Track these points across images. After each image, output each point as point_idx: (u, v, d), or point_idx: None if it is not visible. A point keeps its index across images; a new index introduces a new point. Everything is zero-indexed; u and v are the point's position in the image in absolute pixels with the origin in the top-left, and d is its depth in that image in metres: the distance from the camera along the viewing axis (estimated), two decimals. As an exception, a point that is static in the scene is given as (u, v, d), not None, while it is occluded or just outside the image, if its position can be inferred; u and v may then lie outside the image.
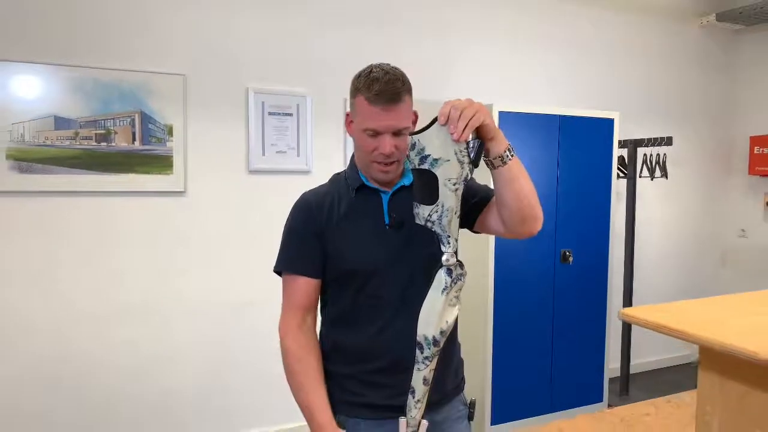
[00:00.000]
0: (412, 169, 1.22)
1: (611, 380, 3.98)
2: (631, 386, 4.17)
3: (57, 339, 2.90)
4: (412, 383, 1.23)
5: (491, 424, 3.39)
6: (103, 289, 2.98)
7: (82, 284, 2.94)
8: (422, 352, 1.21)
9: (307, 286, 1.42)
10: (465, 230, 1.41)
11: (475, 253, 3.27)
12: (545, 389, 3.58)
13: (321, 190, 1.47)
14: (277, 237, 1.43)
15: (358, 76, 1.34)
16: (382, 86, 1.28)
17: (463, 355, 1.58)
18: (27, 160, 2.74)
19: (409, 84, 1.35)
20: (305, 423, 1.34)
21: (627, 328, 3.95)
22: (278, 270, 1.47)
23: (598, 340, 3.73)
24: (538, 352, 3.54)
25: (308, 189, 1.50)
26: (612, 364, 4.05)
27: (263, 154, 3.25)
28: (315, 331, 1.45)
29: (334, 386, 1.41)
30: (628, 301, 3.91)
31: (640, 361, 4.54)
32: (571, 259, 3.55)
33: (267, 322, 3.24)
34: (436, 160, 1.17)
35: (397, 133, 1.32)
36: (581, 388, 3.70)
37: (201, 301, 3.18)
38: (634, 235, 3.96)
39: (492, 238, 3.31)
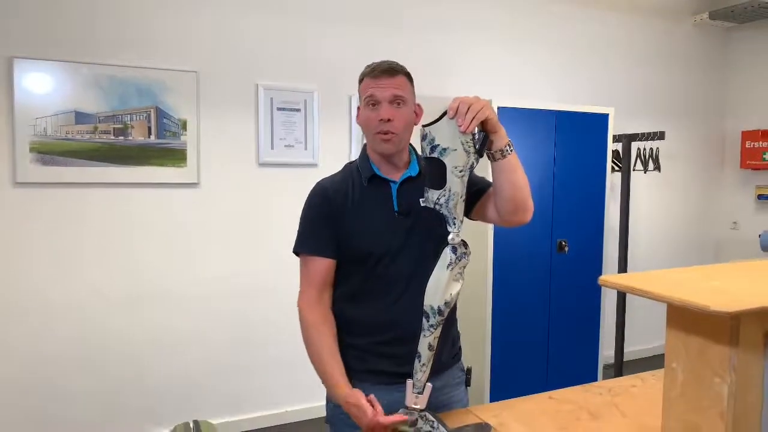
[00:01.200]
0: (423, 158, 1.36)
1: (605, 367, 4.12)
2: (624, 372, 4.31)
3: (76, 323, 3.04)
4: (418, 349, 1.36)
5: (490, 407, 3.54)
6: (121, 275, 3.12)
7: (100, 271, 3.08)
8: (428, 321, 1.34)
9: (323, 265, 1.54)
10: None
11: (474, 242, 3.39)
12: (541, 375, 3.72)
13: (336, 179, 1.60)
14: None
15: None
16: (378, 65, 1.51)
17: (462, 341, 1.73)
18: (49, 153, 2.88)
19: (408, 73, 1.54)
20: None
21: (621, 316, 4.09)
22: (296, 251, 1.59)
23: (593, 327, 3.88)
24: (534, 338, 3.69)
25: (322, 178, 1.63)
26: (606, 351, 4.19)
27: (272, 147, 3.39)
28: (330, 306, 1.58)
29: (348, 356, 1.54)
30: (622, 290, 4.05)
31: (634, 349, 4.69)
32: (566, 248, 3.69)
33: (277, 308, 3.42)
34: (444, 149, 1.30)
35: (394, 104, 1.48)
36: (576, 374, 3.85)
37: (214, 287, 3.33)
38: (628, 226, 4.08)
39: (491, 230, 3.45)
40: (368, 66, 1.52)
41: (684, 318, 0.90)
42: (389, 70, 1.49)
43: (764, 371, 0.88)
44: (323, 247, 1.54)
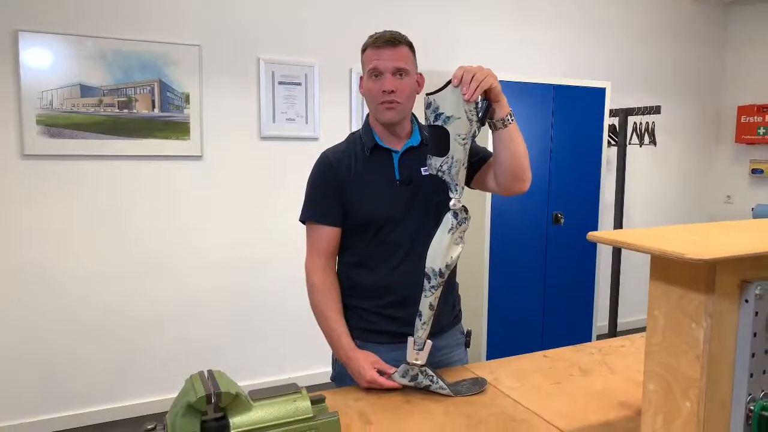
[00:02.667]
0: (427, 125, 1.41)
1: (599, 337, 4.22)
2: (618, 342, 4.40)
3: (81, 293, 3.12)
4: (419, 308, 1.43)
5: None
6: (126, 246, 3.19)
7: (106, 241, 3.15)
8: (429, 282, 1.41)
9: (328, 233, 1.61)
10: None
11: (472, 212, 3.45)
12: (536, 343, 3.82)
13: (339, 149, 1.65)
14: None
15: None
16: (381, 35, 1.54)
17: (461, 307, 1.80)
18: (56, 125, 2.93)
19: (411, 43, 1.57)
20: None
21: (615, 287, 4.18)
22: (303, 219, 1.65)
23: (587, 297, 3.97)
24: (530, 308, 3.78)
25: (326, 148, 1.68)
26: (600, 322, 4.29)
27: (274, 121, 3.43)
28: (335, 271, 1.65)
29: (353, 317, 1.62)
30: (616, 261, 4.14)
31: (627, 320, 4.80)
32: (562, 220, 3.76)
33: (280, 278, 3.50)
34: (448, 117, 1.35)
35: (397, 75, 1.52)
36: (570, 342, 3.94)
37: (217, 258, 3.40)
38: (623, 199, 4.15)
39: (488, 200, 3.51)
40: (371, 36, 1.56)
41: (665, 268, 0.97)
42: (392, 41, 1.52)
43: (739, 317, 0.95)
44: (328, 215, 1.60)
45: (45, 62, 2.90)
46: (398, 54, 1.52)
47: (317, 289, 1.60)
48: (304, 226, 1.65)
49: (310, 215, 1.63)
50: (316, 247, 1.62)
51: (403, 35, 1.56)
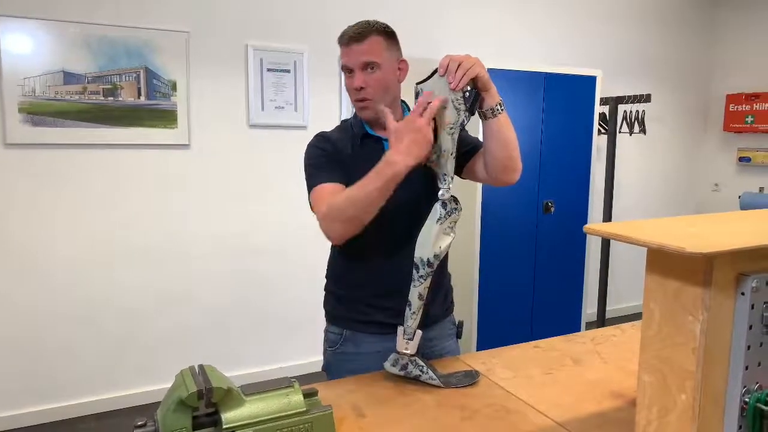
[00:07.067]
0: None
1: (588, 324, 4.26)
2: (606, 329, 4.45)
3: (68, 284, 3.08)
4: (408, 298, 1.42)
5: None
6: (112, 235, 3.15)
7: (92, 231, 3.11)
8: (418, 272, 1.40)
9: (336, 189, 1.47)
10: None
11: (463, 202, 3.45)
12: (526, 331, 3.84)
13: (332, 134, 1.62)
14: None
15: None
16: (347, 30, 1.50)
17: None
18: (39, 113, 2.87)
19: (382, 29, 1.50)
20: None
21: (604, 275, 4.21)
22: (311, 188, 1.51)
23: (577, 285, 3.99)
24: (520, 297, 3.79)
25: (321, 131, 1.62)
26: (590, 310, 4.32)
27: (262, 109, 3.39)
28: None
29: (343, 306, 1.61)
30: (605, 249, 4.16)
31: (617, 307, 4.84)
32: (552, 209, 3.76)
33: (269, 265, 3.47)
34: None
35: (367, 69, 1.48)
36: (560, 331, 3.97)
37: (205, 247, 3.37)
38: (612, 188, 4.17)
39: (479, 189, 3.51)
40: (343, 31, 1.51)
41: (662, 261, 0.97)
42: (356, 36, 1.47)
43: (734, 310, 0.95)
44: (334, 175, 1.49)
45: (26, 48, 2.83)
46: (365, 48, 1.47)
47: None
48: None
49: (315, 184, 1.50)
50: (328, 195, 1.46)
51: (374, 23, 1.49)
